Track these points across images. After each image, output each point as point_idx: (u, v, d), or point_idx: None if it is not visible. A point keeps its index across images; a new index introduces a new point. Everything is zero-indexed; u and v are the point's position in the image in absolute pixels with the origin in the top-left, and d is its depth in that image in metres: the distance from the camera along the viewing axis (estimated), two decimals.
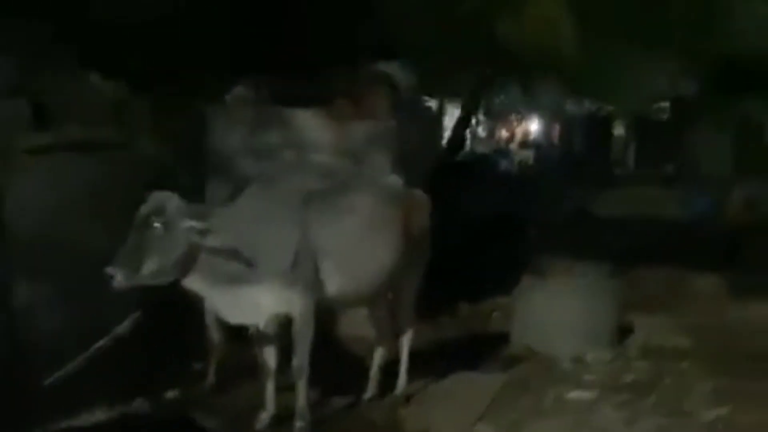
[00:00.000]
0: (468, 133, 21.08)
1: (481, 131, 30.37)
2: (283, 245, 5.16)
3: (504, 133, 29.37)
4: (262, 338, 5.41)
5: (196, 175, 6.83)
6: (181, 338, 6.33)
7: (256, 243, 5.09)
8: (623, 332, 7.57)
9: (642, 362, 6.91)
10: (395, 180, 5.83)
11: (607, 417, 5.71)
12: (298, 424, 5.34)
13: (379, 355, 6.02)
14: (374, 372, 6.02)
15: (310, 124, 7.31)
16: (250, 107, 7.39)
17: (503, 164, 21.35)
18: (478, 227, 11.02)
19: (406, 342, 6.00)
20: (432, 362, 6.67)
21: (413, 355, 6.43)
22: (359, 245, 5.39)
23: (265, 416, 5.52)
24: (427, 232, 5.94)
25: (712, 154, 17.57)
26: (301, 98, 7.31)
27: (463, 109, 19.12)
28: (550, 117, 27.62)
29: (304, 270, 5.21)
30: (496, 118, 30.87)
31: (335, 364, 6.31)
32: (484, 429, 5.52)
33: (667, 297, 9.08)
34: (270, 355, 5.49)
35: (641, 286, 9.58)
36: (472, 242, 10.52)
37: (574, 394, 6.13)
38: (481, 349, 7.23)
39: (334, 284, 5.32)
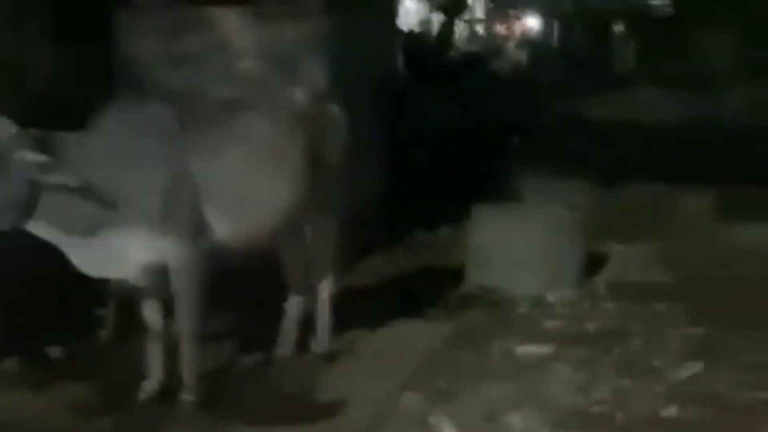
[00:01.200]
0: (455, 33, 19.86)
1: (479, 29, 29.00)
2: (152, 181, 4.15)
3: (502, 31, 27.91)
4: (138, 293, 4.42)
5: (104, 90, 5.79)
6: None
7: (117, 179, 4.07)
8: (597, 264, 6.58)
9: (611, 304, 5.95)
10: (299, 95, 4.70)
11: (560, 380, 4.76)
12: (185, 397, 4.39)
13: (293, 306, 5.02)
14: (288, 326, 5.03)
15: (235, 26, 6.28)
16: (164, 8, 6.38)
17: (495, 65, 20.10)
18: (453, 140, 9.90)
19: (325, 290, 5.01)
20: (369, 309, 5.68)
21: (347, 301, 5.48)
22: (251, 178, 4.36)
23: (149, 385, 4.55)
24: (344, 158, 4.88)
25: (716, 53, 16.32)
26: None
27: (446, 7, 17.95)
28: (548, 14, 26.23)
29: (180, 212, 4.20)
30: (493, 15, 29.48)
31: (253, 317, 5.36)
32: (410, 398, 4.52)
33: (653, 219, 8.04)
34: (152, 313, 4.50)
35: (625, 206, 8.57)
36: (443, 158, 9.46)
37: (526, 349, 5.17)
38: (431, 289, 6.23)
39: (221, 228, 4.32)
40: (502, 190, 9.01)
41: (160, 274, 4.35)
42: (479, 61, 19.07)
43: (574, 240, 6.26)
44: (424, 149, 9.12)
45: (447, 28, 17.17)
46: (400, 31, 15.38)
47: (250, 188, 4.38)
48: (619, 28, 23.06)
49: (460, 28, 28.06)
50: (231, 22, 6.45)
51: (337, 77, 6.25)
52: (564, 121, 13.49)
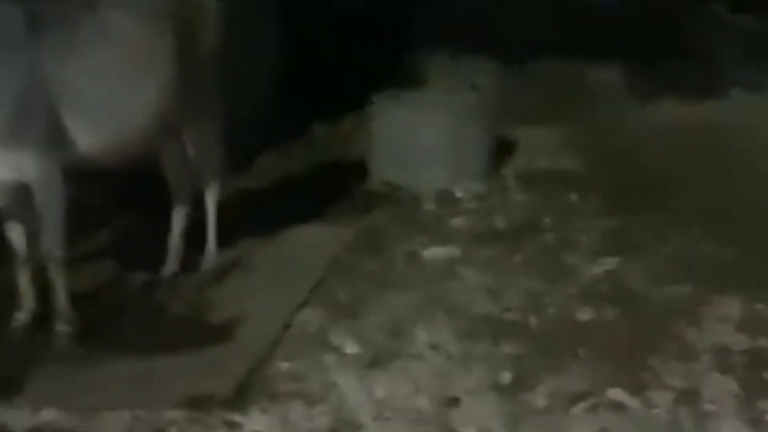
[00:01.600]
0: None
1: None
2: (1, 90, 3.61)
3: None
4: None
5: None
6: None
7: None
8: (505, 151, 6.23)
9: (521, 196, 5.62)
10: None
11: (468, 285, 4.44)
12: (59, 327, 3.95)
13: (179, 219, 4.57)
14: (174, 241, 4.60)
15: None
16: None
17: None
18: (354, 18, 9.33)
19: (210, 199, 4.57)
20: (264, 215, 5.27)
21: (239, 207, 5.09)
22: (115, 81, 3.85)
23: (21, 315, 4.10)
24: (217, 52, 4.38)
25: None
26: None
27: None
28: None
29: (34, 122, 3.68)
30: None
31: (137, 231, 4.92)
32: (309, 315, 4.16)
33: (562, 100, 7.69)
34: (17, 237, 4.02)
35: (532, 85, 8.20)
36: (344, 39, 8.92)
37: (432, 252, 4.82)
38: (331, 189, 5.81)
39: (84, 138, 3.82)
40: (405, 73, 8.60)
41: (20, 192, 3.86)
42: None
43: (480, 127, 5.89)
44: (322, 30, 8.54)
45: None
46: None
47: (115, 92, 3.87)
48: None
49: None
50: None
51: None
52: None
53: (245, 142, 6.23)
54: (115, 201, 5.26)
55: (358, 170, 6.05)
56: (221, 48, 4.40)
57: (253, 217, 5.20)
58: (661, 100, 7.54)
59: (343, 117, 7.16)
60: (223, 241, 4.70)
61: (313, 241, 5.03)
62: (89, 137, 3.84)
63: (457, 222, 5.26)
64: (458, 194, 5.65)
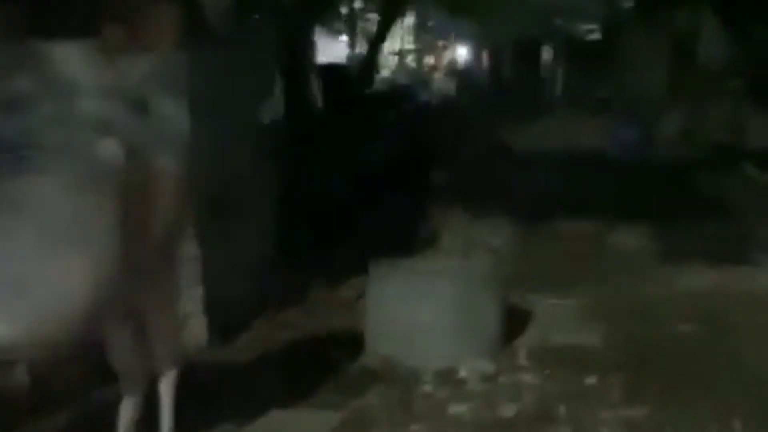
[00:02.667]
0: (380, 64, 18.93)
1: (409, 61, 28.22)
2: None
3: (430, 62, 27.13)
4: None
5: None
6: None
7: None
8: (518, 323, 5.57)
9: (535, 377, 4.90)
10: (109, 148, 3.56)
11: None
12: None
13: (127, 409, 3.90)
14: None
15: (74, 61, 5.14)
16: None
17: (422, 96, 19.25)
18: (365, 179, 8.86)
19: (166, 390, 3.90)
20: (242, 394, 4.62)
21: (215, 385, 4.46)
22: (41, 263, 3.22)
23: None
24: (182, 221, 3.82)
25: (644, 78, 15.55)
26: (59, 27, 5.12)
27: (371, 39, 17.03)
28: (478, 43, 25.47)
29: None
30: (424, 46, 28.74)
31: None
32: None
33: (581, 264, 7.08)
34: None
35: (550, 248, 7.62)
36: (351, 200, 8.43)
37: None
38: (322, 363, 5.16)
39: (2, 330, 3.17)
40: (418, 233, 8.06)
41: None
42: (404, 93, 18.23)
43: (490, 298, 5.22)
44: (332, 188, 8.07)
45: (370, 59, 16.20)
46: (315, 65, 14.46)
47: (42, 277, 3.23)
48: (548, 55, 22.35)
49: (389, 61, 27.32)
50: (69, 57, 5.31)
51: (202, 119, 5.21)
52: (489, 152, 12.56)
53: (237, 310, 5.68)
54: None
55: (354, 343, 5.40)
56: (183, 217, 3.83)
57: (227, 398, 4.55)
58: (687, 265, 6.90)
59: (345, 281, 6.57)
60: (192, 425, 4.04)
61: (294, 427, 4.36)
62: (5, 326, 3.19)
63: (459, 409, 4.56)
64: (462, 374, 4.96)
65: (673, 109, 14.30)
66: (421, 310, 5.09)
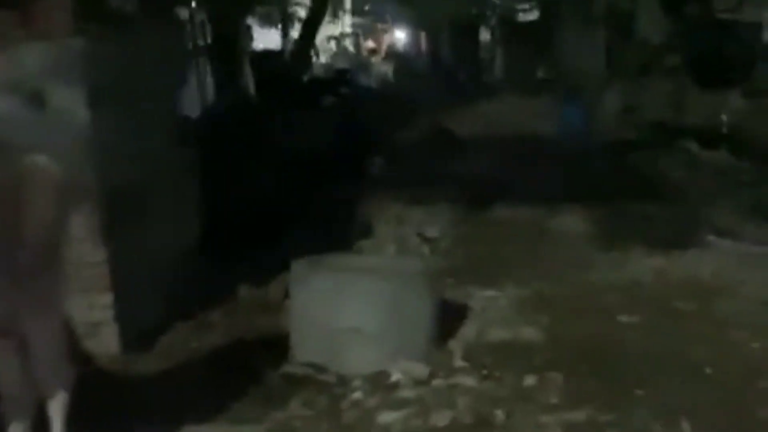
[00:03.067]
0: (315, 49, 18.48)
1: (347, 44, 27.73)
2: None
3: (369, 45, 26.68)
4: None
5: None
6: None
7: None
8: (454, 319, 5.23)
9: (471, 379, 4.56)
10: None
11: None
12: None
13: None
14: None
15: None
16: None
17: (359, 80, 18.82)
18: (296, 169, 8.42)
19: (56, 412, 3.50)
20: (158, 408, 4.23)
21: (127, 398, 4.08)
22: None
23: None
24: (65, 225, 3.40)
25: (583, 56, 15.23)
26: None
27: (304, 22, 16.55)
28: (416, 25, 25.08)
29: None
30: (362, 30, 28.31)
31: None
32: None
33: (521, 251, 6.76)
34: None
35: (490, 235, 7.29)
36: (280, 192, 8.00)
37: None
38: (245, 371, 4.77)
39: None
40: (351, 225, 7.67)
41: None
42: (343, 77, 17.79)
43: (423, 296, 4.86)
44: (262, 178, 7.64)
45: (304, 44, 15.75)
46: (247, 52, 13.99)
47: None
48: (486, 35, 22.03)
49: (328, 46, 26.83)
50: None
51: (104, 111, 4.79)
52: (429, 137, 12.17)
53: (153, 314, 5.27)
54: None
55: (279, 348, 5.02)
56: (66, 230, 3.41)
57: (138, 413, 4.16)
58: (632, 251, 6.62)
59: (274, 281, 6.15)
60: None
61: None
62: None
63: (389, 418, 4.20)
64: (394, 377, 4.60)
65: (614, 87, 14.02)
66: (347, 311, 4.72)
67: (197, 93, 9.28)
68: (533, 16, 19.51)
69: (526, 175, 9.46)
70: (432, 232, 7.50)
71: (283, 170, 7.82)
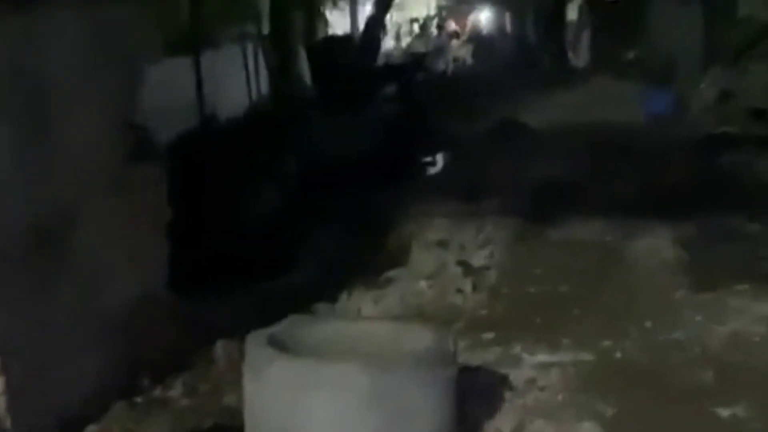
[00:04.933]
0: (382, 34, 16.83)
1: (431, 27, 26.08)
2: None
3: (451, 27, 24.90)
4: None
5: None
6: None
7: None
8: (484, 403, 3.67)
9: None
10: None
11: None
12: None
13: None
14: None
15: None
16: None
17: (436, 65, 17.26)
18: (314, 181, 6.88)
19: None
20: None
21: None
22: None
23: None
24: None
25: (677, 36, 13.32)
26: None
27: (374, 5, 15.02)
28: (501, 5, 23.26)
29: None
30: (446, 11, 26.58)
31: None
32: None
33: (589, 291, 5.13)
34: None
35: (550, 268, 5.66)
36: (286, 212, 6.45)
37: None
38: None
39: None
40: (380, 247, 6.16)
41: None
42: (417, 63, 16.27)
43: (425, 387, 3.30)
44: (263, 196, 6.15)
45: (371, 30, 14.17)
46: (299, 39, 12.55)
47: None
48: (573, 14, 20.10)
49: (407, 27, 25.26)
50: None
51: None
52: (497, 129, 10.48)
53: (76, 392, 3.82)
54: None
55: None
56: None
57: None
58: (730, 287, 4.94)
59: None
60: None
61: None
62: None
63: None
64: None
65: (711, 71, 12.08)
66: (311, 410, 3.19)
67: (210, 94, 7.83)
68: None
69: (603, 179, 7.81)
70: (480, 257, 5.92)
71: (290, 184, 6.27)
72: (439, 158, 9.46)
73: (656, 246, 5.83)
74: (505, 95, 13.32)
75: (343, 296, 5.29)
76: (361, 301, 5.25)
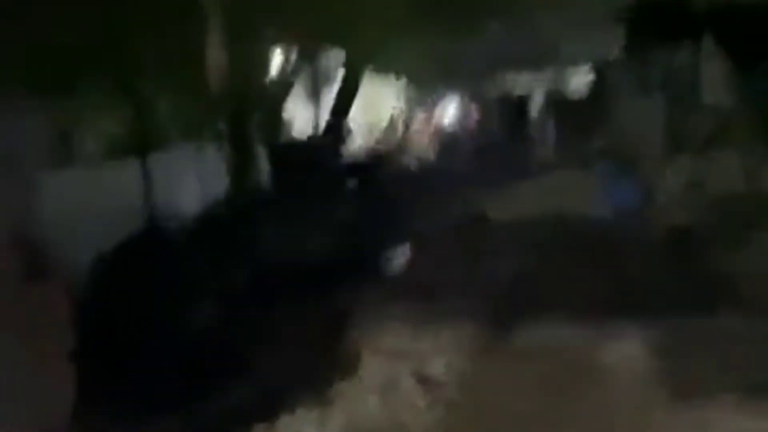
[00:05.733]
0: (344, 134, 16.49)
1: (397, 123, 25.93)
2: None
3: (418, 120, 24.72)
4: None
5: None
6: None
7: None
8: None
9: None
10: None
11: None
12: None
13: None
14: None
15: None
16: None
17: (398, 163, 16.92)
18: (256, 290, 6.33)
19: None
20: None
21: None
22: None
23: None
24: None
25: (641, 127, 13.11)
26: None
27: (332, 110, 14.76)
28: (464, 102, 23.15)
29: None
30: (412, 106, 26.47)
31: None
32: None
33: (552, 409, 4.60)
34: None
35: (513, 380, 5.13)
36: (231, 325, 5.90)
37: None
38: None
39: None
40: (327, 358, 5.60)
41: None
42: (378, 161, 15.96)
43: None
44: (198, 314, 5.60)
45: (332, 130, 13.86)
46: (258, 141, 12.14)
47: None
48: (537, 107, 19.96)
49: (374, 122, 25.06)
50: None
51: None
52: (459, 228, 10.04)
53: None
54: None
55: None
56: None
57: None
58: (711, 398, 4.42)
59: None
60: None
61: None
62: None
63: None
64: None
65: (676, 160, 11.78)
66: None
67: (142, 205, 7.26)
68: (585, 84, 17.41)
69: (570, 277, 7.32)
70: (437, 368, 5.39)
71: (233, 293, 5.74)
72: (397, 257, 8.98)
73: (629, 354, 5.33)
74: (470, 190, 12.98)
75: (284, 419, 4.74)
76: (303, 423, 4.71)
